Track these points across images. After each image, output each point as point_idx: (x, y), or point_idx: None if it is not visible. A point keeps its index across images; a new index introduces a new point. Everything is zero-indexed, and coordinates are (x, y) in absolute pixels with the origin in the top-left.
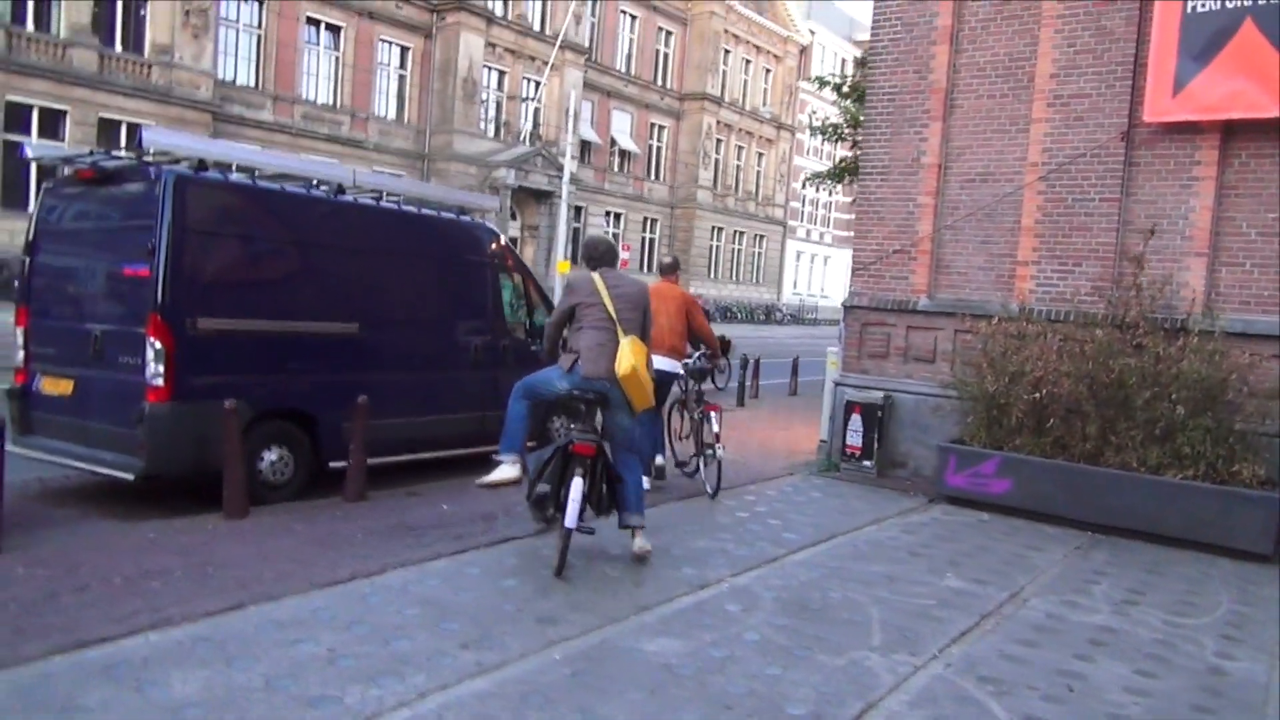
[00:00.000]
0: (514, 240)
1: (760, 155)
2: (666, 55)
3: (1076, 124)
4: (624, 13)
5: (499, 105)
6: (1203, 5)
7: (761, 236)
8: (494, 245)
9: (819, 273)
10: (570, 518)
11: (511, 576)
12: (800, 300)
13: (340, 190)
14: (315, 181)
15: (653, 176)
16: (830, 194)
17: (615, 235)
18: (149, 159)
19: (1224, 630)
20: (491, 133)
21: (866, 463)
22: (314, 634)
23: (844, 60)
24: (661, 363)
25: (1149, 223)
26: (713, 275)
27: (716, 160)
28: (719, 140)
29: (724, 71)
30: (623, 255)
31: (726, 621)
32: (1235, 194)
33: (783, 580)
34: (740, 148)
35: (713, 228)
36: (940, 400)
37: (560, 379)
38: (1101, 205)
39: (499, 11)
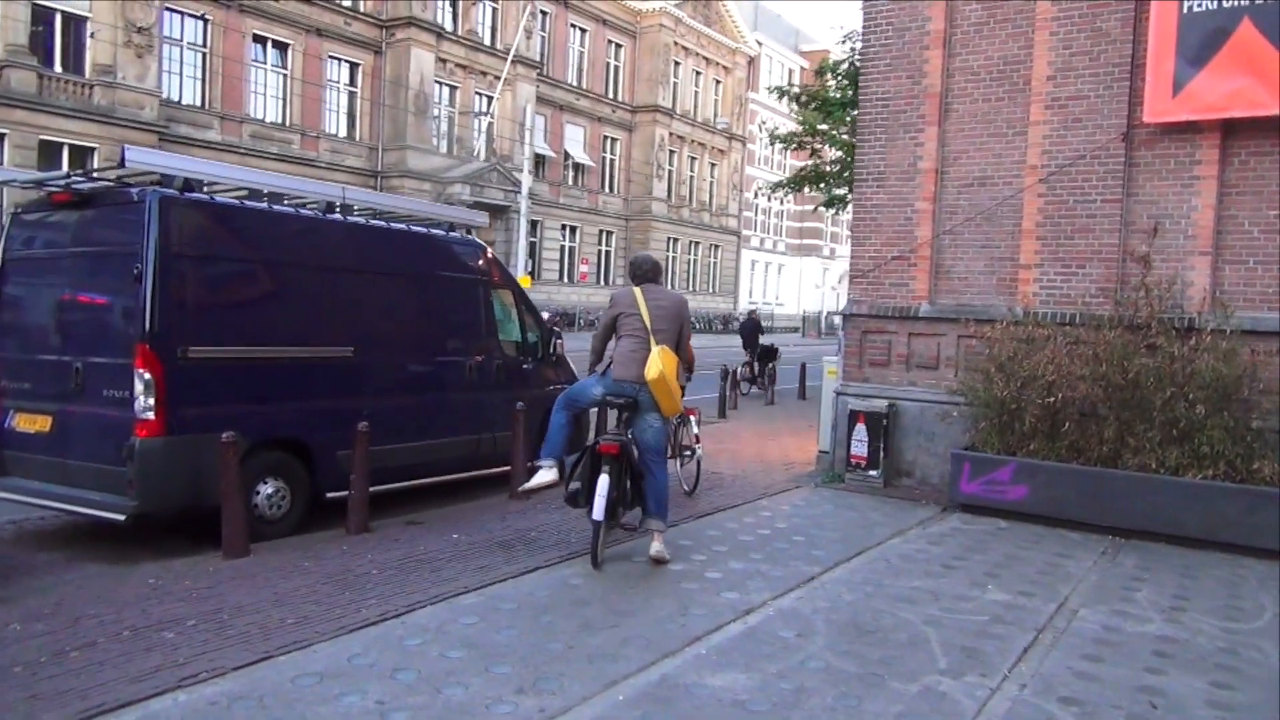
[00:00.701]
0: None
1: (713, 166)
2: (617, 68)
3: (1075, 126)
4: (574, 26)
5: (451, 121)
6: (1199, 5)
7: (716, 246)
8: (483, 261)
9: (773, 281)
10: (598, 511)
11: (547, 611)
12: (756, 309)
13: (330, 209)
14: (304, 200)
15: (607, 189)
16: (782, 203)
17: (570, 249)
18: (130, 180)
19: None
20: (445, 148)
21: (873, 473)
22: (357, 685)
23: (791, 71)
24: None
25: (1152, 223)
26: (669, 286)
27: (670, 171)
28: (672, 151)
29: (675, 83)
30: (581, 269)
31: (785, 650)
32: (1236, 192)
33: (827, 601)
34: (693, 159)
35: (668, 239)
36: (946, 407)
37: (595, 384)
38: (1104, 206)
39: (449, 26)
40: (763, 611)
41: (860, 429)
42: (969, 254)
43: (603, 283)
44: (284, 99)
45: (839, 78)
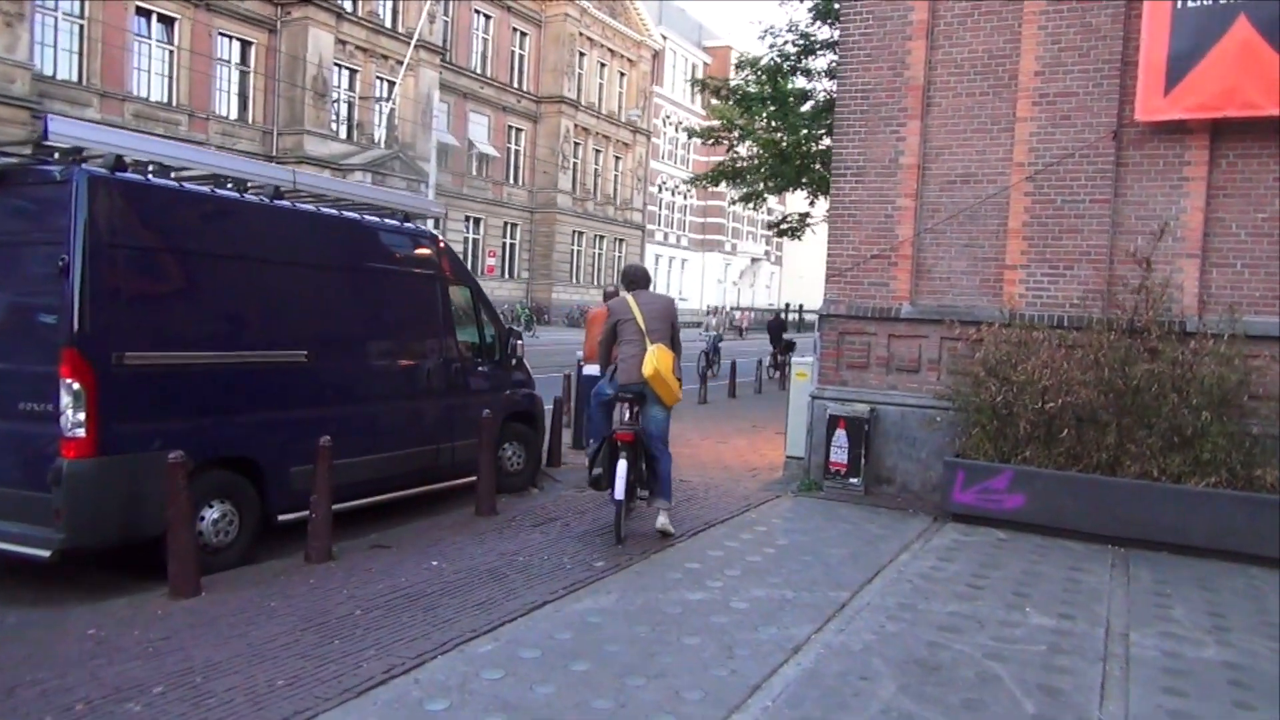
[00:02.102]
0: None
1: (618, 159)
2: (522, 57)
3: (1064, 123)
4: (478, 12)
5: (351, 106)
6: (1194, 0)
7: (621, 240)
8: (439, 254)
9: (677, 276)
10: (619, 491)
11: (577, 658)
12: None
13: (278, 194)
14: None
15: (512, 180)
16: (686, 197)
17: (475, 241)
18: (52, 156)
19: None
20: (345, 134)
21: (853, 480)
22: None
23: (694, 66)
24: (594, 369)
25: (1139, 224)
26: (575, 280)
27: (575, 164)
28: (577, 144)
29: (580, 75)
30: (489, 262)
31: (858, 697)
32: (1224, 194)
33: (873, 633)
34: (598, 151)
35: (573, 232)
36: (930, 412)
37: (607, 386)
38: (1092, 207)
39: (349, 7)
40: (812, 649)
41: (840, 435)
42: (951, 253)
43: (508, 276)
44: (170, 76)
45: (758, 72)
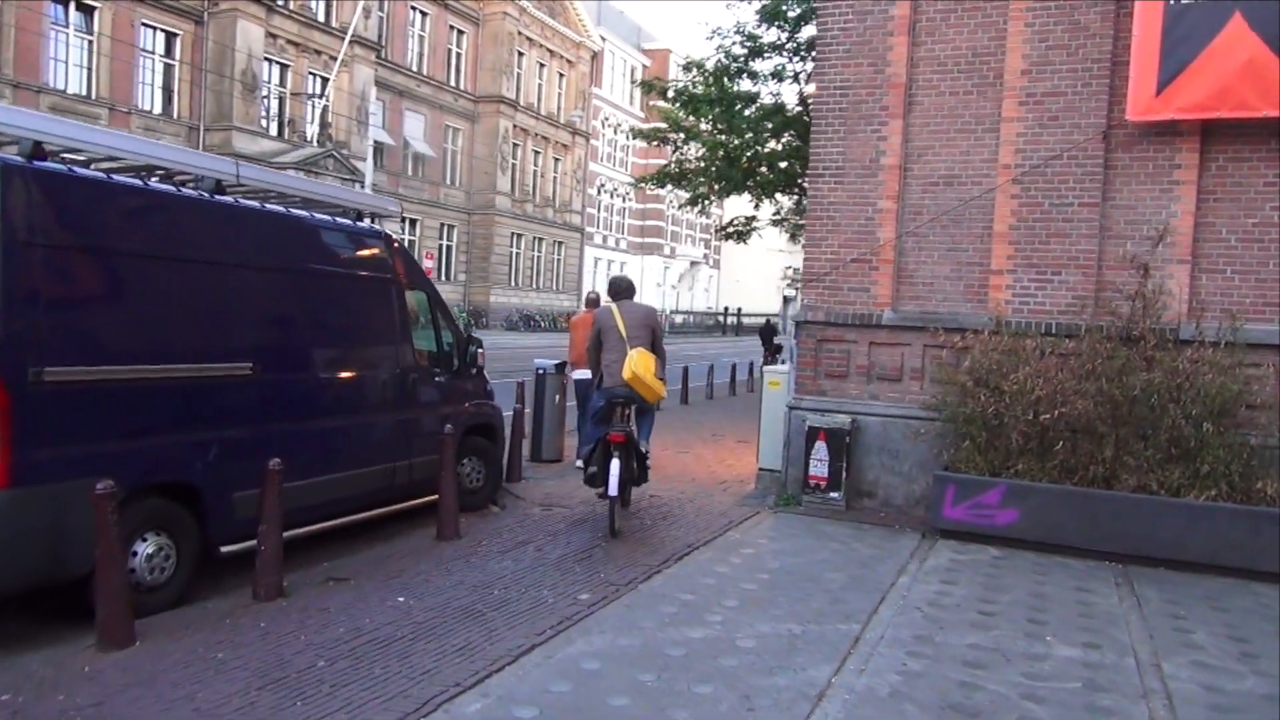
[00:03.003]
0: None
1: (557, 161)
2: (460, 55)
3: (1051, 124)
4: (414, 9)
5: (283, 102)
6: None
7: (560, 243)
8: (394, 256)
9: None
10: (613, 488)
11: (580, 715)
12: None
13: (219, 189)
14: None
15: (449, 181)
16: (625, 200)
17: (411, 242)
18: None
19: None
20: (275, 131)
21: (834, 495)
22: None
23: (634, 68)
24: (582, 374)
25: (1129, 229)
26: (513, 283)
27: (514, 165)
28: (516, 145)
29: (518, 74)
30: (426, 264)
31: None
32: (1214, 198)
33: (896, 673)
34: (537, 153)
35: (512, 234)
36: (914, 423)
37: (597, 396)
38: (1081, 210)
39: (280, 0)
40: (836, 696)
41: (820, 447)
42: (934, 258)
43: (445, 279)
44: (89, 68)
45: (705, 74)
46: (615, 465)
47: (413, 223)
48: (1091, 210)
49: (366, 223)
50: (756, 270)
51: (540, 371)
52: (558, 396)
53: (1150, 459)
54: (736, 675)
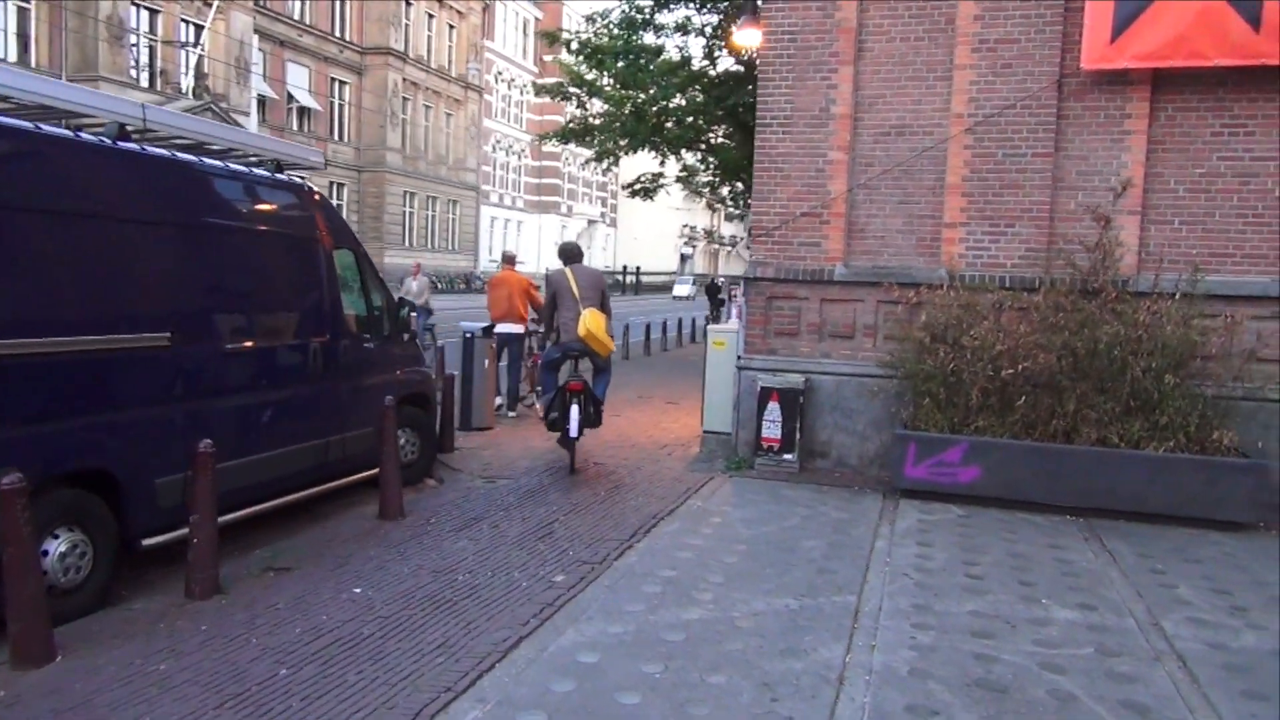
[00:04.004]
0: None
1: (449, 116)
2: (344, 4)
3: (1005, 72)
4: None
5: (153, 51)
6: None
7: (455, 202)
8: (320, 211)
9: (513, 238)
10: (573, 429)
11: (590, 714)
12: (498, 267)
13: (123, 134)
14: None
15: (337, 137)
16: (520, 158)
17: None
18: None
19: None
20: (146, 82)
21: (787, 456)
22: None
23: (527, 21)
24: (506, 327)
25: (1080, 180)
26: (407, 243)
27: (404, 120)
28: (406, 99)
29: (406, 25)
30: None
31: None
32: (1162, 149)
33: (910, 649)
34: (428, 107)
35: (405, 193)
36: (869, 381)
37: (554, 350)
38: (1034, 161)
39: None
40: (857, 678)
41: (773, 408)
42: (886, 210)
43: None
44: None
45: (609, 25)
46: (575, 410)
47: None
48: (1045, 161)
49: (288, 175)
50: (654, 228)
51: (468, 335)
52: (487, 361)
53: (1110, 412)
54: (746, 660)
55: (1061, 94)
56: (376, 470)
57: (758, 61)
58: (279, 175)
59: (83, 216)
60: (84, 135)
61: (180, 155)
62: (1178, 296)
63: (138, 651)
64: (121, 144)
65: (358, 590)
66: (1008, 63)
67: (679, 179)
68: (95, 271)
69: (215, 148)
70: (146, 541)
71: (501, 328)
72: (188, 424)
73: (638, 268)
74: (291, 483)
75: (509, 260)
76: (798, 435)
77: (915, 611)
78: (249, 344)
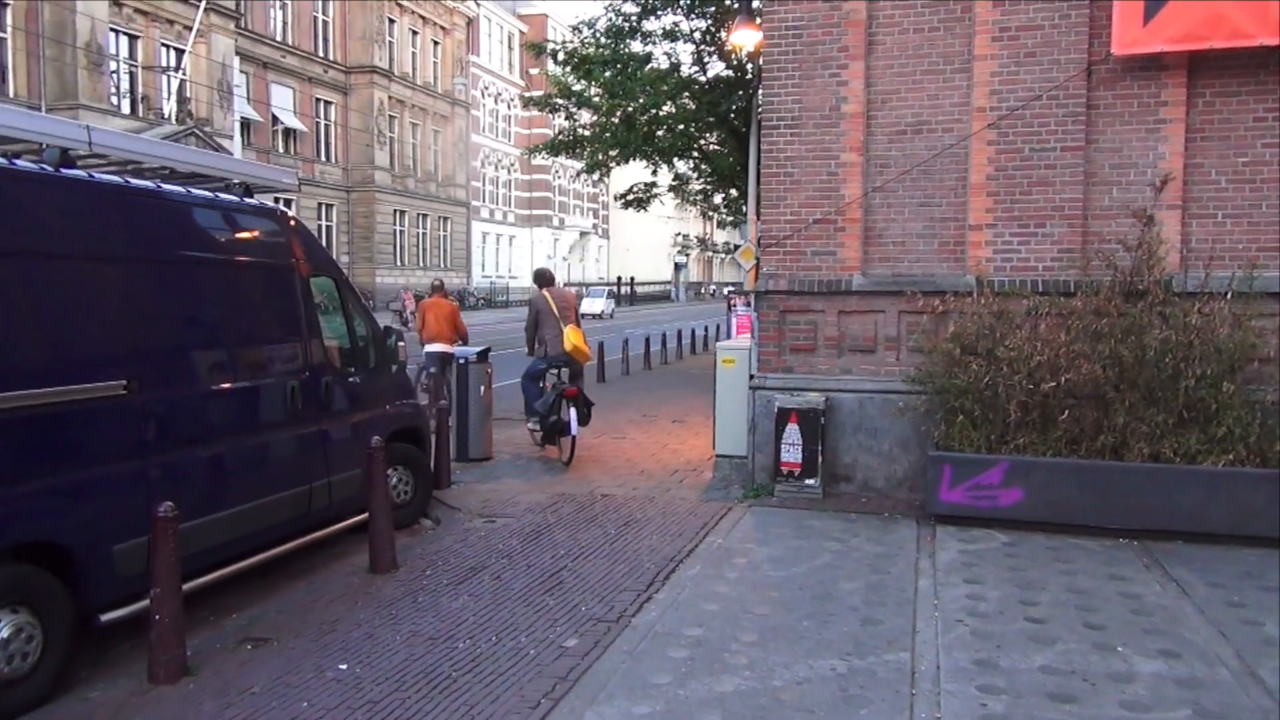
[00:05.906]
0: None
1: (436, 133)
2: (327, 23)
3: (1028, 61)
4: None
5: (134, 77)
6: None
7: (446, 218)
8: (295, 238)
9: (505, 254)
10: (573, 428)
11: None
12: (491, 283)
13: (67, 160)
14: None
15: (324, 158)
16: (510, 172)
17: None
18: None
19: None
20: (127, 108)
21: (809, 481)
22: None
23: (511, 35)
24: (436, 347)
25: (1114, 174)
26: (399, 262)
27: (391, 139)
28: (392, 117)
29: (391, 43)
30: None
31: None
32: (1202, 138)
33: (989, 708)
34: (415, 124)
35: (395, 211)
36: (896, 398)
37: (540, 363)
38: (1064, 155)
39: None
40: None
41: (792, 430)
42: (904, 214)
43: None
44: None
45: (596, 34)
46: (572, 413)
47: (287, 202)
48: (1075, 155)
49: (258, 200)
50: (647, 239)
51: (462, 361)
52: (483, 388)
53: (1163, 424)
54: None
55: (1090, 83)
56: (366, 515)
57: (761, 60)
58: (248, 200)
59: (18, 255)
60: (20, 163)
61: (134, 182)
62: (1229, 296)
63: None
64: (65, 171)
65: (344, 667)
66: (1031, 51)
67: (671, 188)
68: (36, 316)
69: (178, 172)
70: (105, 616)
71: (430, 347)
72: (149, 480)
73: (632, 278)
74: (271, 536)
75: (438, 289)
76: (819, 459)
77: (979, 670)
78: (217, 387)
